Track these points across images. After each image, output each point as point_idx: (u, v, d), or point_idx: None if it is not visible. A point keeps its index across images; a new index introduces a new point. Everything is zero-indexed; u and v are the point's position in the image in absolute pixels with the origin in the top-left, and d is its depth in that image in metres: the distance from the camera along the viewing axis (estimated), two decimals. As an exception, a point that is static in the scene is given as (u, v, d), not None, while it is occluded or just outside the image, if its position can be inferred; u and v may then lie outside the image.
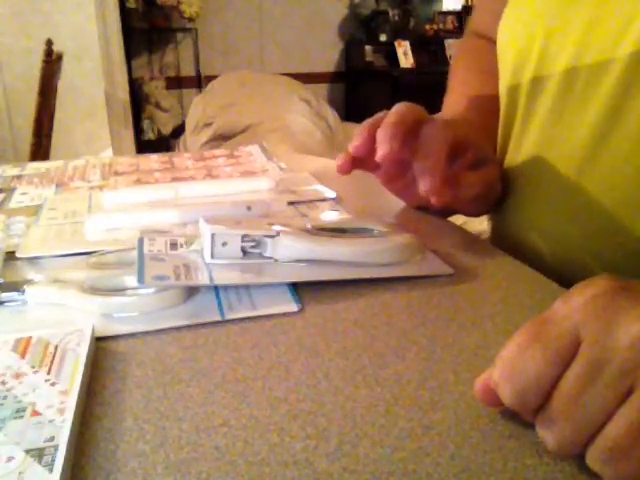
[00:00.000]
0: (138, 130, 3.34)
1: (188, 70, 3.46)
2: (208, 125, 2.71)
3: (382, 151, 0.42)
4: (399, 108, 0.45)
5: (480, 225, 0.64)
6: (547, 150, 0.46)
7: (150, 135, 3.35)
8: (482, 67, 0.58)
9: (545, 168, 0.46)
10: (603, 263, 0.42)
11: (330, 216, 0.53)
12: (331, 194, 0.59)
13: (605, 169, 0.41)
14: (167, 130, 3.38)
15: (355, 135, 0.46)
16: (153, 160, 0.76)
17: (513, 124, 0.50)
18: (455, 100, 0.61)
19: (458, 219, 0.57)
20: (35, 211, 0.55)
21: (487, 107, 0.55)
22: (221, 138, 2.64)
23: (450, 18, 3.81)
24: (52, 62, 2.00)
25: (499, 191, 0.50)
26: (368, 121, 0.45)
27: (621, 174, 0.40)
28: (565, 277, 0.39)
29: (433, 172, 0.43)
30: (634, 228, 0.40)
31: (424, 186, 0.42)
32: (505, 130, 0.52)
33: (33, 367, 0.28)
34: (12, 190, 0.64)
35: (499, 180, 0.50)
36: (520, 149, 0.49)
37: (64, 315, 0.35)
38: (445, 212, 0.53)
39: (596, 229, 0.42)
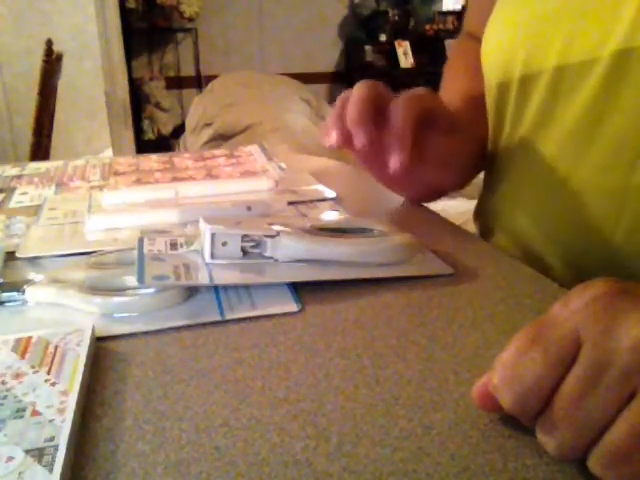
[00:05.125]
0: (138, 130, 3.34)
1: (188, 70, 3.46)
2: (208, 125, 2.71)
3: (360, 141, 0.43)
4: (360, 89, 0.46)
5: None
6: (538, 146, 0.47)
7: (150, 135, 3.35)
8: (470, 66, 0.60)
9: (535, 163, 0.47)
10: (587, 255, 0.43)
11: (330, 216, 0.53)
12: (331, 194, 0.59)
13: (593, 164, 0.42)
14: (167, 130, 3.38)
15: (326, 127, 0.46)
16: (153, 160, 0.76)
17: (504, 120, 0.51)
18: (448, 99, 0.62)
19: (458, 219, 0.57)
20: (35, 211, 0.55)
21: (474, 103, 0.56)
22: (221, 138, 2.63)
23: (450, 18, 3.80)
24: (52, 62, 2.00)
25: (468, 164, 0.53)
26: (336, 112, 0.46)
27: (609, 167, 0.41)
28: (548, 269, 0.40)
29: (402, 145, 0.44)
30: (618, 222, 0.41)
31: (393, 163, 0.44)
32: (495, 127, 0.53)
33: (33, 367, 0.28)
34: (12, 190, 0.64)
35: (469, 153, 0.52)
36: (511, 144, 0.50)
37: (64, 315, 0.35)
38: (429, 194, 0.56)
39: (582, 222, 0.43)
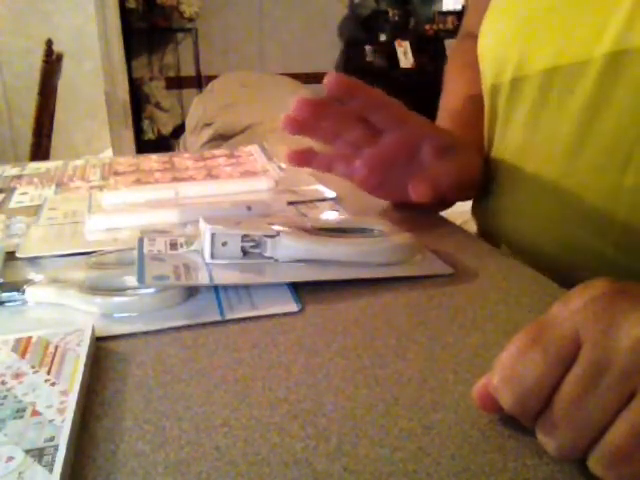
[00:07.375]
0: (138, 130, 3.34)
1: (188, 70, 3.46)
2: (208, 125, 2.71)
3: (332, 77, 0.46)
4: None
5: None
6: (528, 148, 0.47)
7: (150, 135, 3.35)
8: (470, 65, 0.60)
9: (527, 165, 0.47)
10: (583, 256, 0.43)
11: (330, 216, 0.53)
12: (331, 194, 0.59)
13: (585, 167, 0.42)
14: (167, 130, 3.38)
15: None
16: (153, 160, 0.76)
17: (496, 122, 0.51)
18: (448, 101, 0.63)
19: (458, 219, 0.57)
20: (35, 211, 0.55)
21: (478, 104, 0.56)
22: (221, 138, 2.63)
23: (450, 18, 3.80)
24: (52, 62, 2.00)
25: (476, 177, 0.52)
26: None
27: (601, 170, 0.41)
28: (546, 269, 0.40)
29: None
30: (612, 222, 0.41)
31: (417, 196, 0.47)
32: (489, 127, 0.53)
33: (33, 367, 0.28)
34: (12, 190, 0.64)
35: (474, 166, 0.52)
36: (503, 146, 0.50)
37: (64, 315, 0.35)
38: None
39: (577, 224, 0.43)
